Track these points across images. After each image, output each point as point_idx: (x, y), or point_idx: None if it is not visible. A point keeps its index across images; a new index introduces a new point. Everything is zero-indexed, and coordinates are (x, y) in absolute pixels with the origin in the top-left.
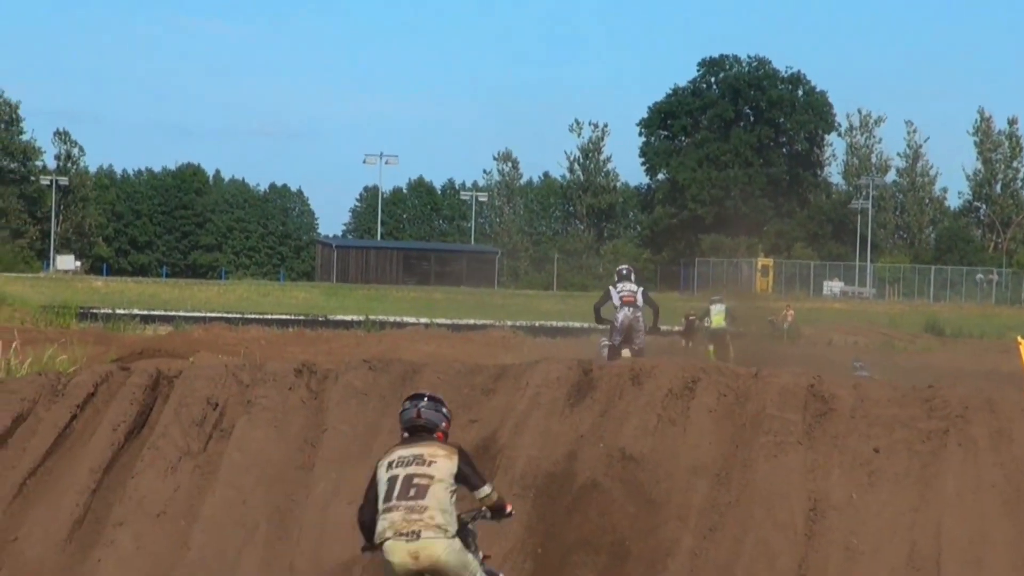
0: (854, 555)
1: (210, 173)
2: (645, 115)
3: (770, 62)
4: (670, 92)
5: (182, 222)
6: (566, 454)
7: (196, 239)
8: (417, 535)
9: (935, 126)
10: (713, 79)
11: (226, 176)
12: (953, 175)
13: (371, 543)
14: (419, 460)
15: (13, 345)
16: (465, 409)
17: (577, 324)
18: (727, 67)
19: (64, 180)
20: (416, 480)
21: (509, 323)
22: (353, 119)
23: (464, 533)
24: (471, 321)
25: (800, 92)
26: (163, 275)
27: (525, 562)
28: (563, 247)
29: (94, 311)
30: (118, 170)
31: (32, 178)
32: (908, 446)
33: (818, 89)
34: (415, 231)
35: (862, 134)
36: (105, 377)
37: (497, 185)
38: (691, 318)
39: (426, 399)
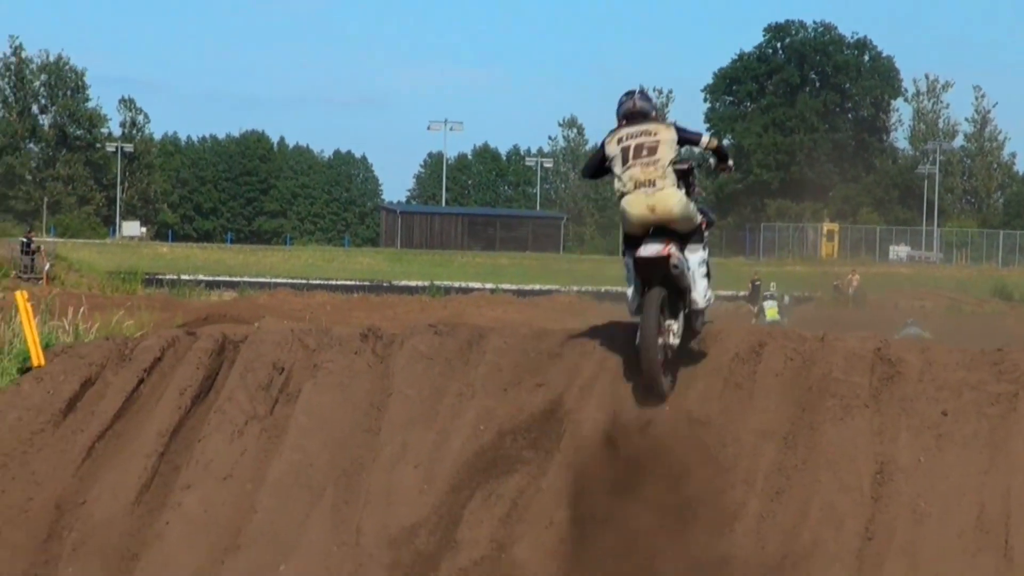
0: (921, 518)
1: (274, 140)
2: (710, 81)
3: (836, 27)
4: (735, 58)
5: (247, 188)
6: (632, 417)
7: (261, 205)
8: (653, 183)
9: (1003, 91)
10: (779, 44)
11: (290, 143)
12: (1023, 140)
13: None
14: (645, 133)
15: (81, 310)
16: (531, 373)
17: None
18: (793, 32)
19: (129, 147)
20: (647, 145)
21: (575, 288)
22: (418, 86)
23: (688, 187)
24: (537, 286)
25: (866, 57)
26: (228, 241)
27: (591, 524)
28: None
29: (160, 277)
30: (182, 137)
31: (98, 145)
32: (977, 409)
33: (884, 55)
34: (480, 197)
35: (929, 99)
36: (172, 342)
37: (562, 151)
38: (756, 282)
39: (638, 92)
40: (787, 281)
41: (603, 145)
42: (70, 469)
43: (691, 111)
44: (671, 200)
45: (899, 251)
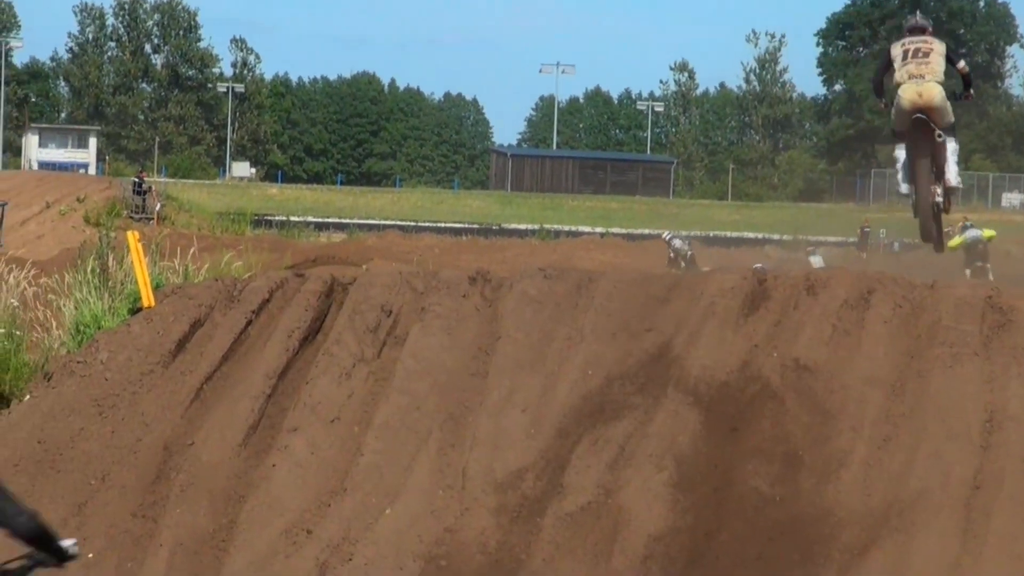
0: None
1: (385, 82)
2: (823, 25)
3: None
4: (849, 2)
5: (357, 130)
6: (740, 363)
7: (370, 147)
8: (923, 77)
9: None
10: None
11: (401, 85)
12: None
13: (880, 98)
14: (923, 41)
15: (191, 251)
16: (640, 318)
17: (751, 235)
18: None
19: (240, 87)
20: (923, 49)
21: (684, 233)
22: (530, 28)
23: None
24: (646, 231)
25: (981, 3)
26: (338, 183)
27: (698, 470)
28: (738, 157)
29: (269, 218)
30: (293, 78)
31: (209, 85)
32: None
33: (1000, 0)
34: (591, 141)
35: None
36: (280, 284)
37: (673, 95)
38: (866, 228)
39: (919, 13)
40: (897, 227)
41: (889, 49)
42: (178, 410)
43: (804, 56)
44: (935, 90)
45: (1012, 198)
